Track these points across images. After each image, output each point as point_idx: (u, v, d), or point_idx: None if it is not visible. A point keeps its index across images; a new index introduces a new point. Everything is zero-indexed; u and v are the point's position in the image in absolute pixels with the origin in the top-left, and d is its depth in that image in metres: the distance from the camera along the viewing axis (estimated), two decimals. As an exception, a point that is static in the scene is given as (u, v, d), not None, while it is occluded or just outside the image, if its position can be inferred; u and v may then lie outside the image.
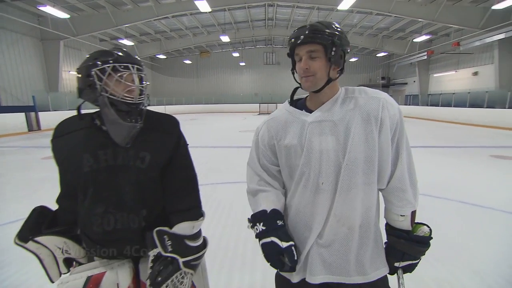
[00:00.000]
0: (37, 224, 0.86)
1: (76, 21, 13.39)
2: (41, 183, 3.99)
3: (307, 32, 0.73)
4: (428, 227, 0.80)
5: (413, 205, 0.79)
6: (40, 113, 11.21)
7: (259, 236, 0.78)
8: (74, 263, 0.88)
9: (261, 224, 0.77)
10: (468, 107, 12.09)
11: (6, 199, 3.47)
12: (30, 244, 0.83)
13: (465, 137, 8.02)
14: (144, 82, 0.85)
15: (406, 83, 22.18)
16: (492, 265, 1.72)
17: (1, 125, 9.67)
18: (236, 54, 22.16)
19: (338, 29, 0.76)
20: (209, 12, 13.41)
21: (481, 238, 2.09)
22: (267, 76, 26.10)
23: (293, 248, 0.74)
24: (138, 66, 0.82)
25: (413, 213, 0.80)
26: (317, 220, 0.76)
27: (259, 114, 21.15)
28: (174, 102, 23.54)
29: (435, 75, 18.88)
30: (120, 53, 0.82)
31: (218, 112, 23.09)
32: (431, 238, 0.78)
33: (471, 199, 2.91)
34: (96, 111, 0.86)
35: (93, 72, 0.78)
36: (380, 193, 0.81)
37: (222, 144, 6.95)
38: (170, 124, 0.90)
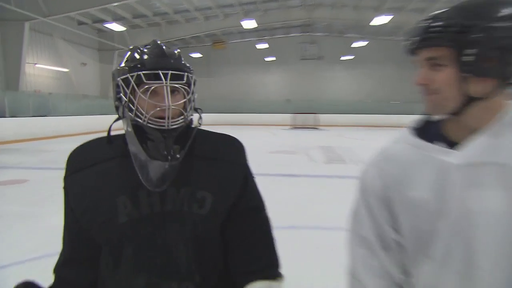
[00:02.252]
0: None
1: (48, -3, 14.36)
2: None
3: (424, 29, 0.75)
4: None
5: None
6: (-9, 120, 11.54)
7: None
8: None
9: None
10: None
11: None
12: None
13: None
14: (188, 96, 0.87)
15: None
16: None
17: None
18: (262, 46, 22.68)
19: (487, 12, 0.71)
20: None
21: None
22: (304, 75, 26.56)
23: None
24: (176, 72, 0.82)
25: None
26: None
27: (293, 128, 21.25)
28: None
29: None
30: (150, 51, 0.84)
31: (237, 125, 23.29)
32: None
33: None
34: None
35: (120, 82, 0.83)
36: None
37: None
38: (235, 149, 0.97)
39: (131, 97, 0.82)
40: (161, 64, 0.82)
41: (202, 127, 0.95)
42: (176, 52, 0.87)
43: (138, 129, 0.82)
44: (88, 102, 17.81)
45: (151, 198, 0.84)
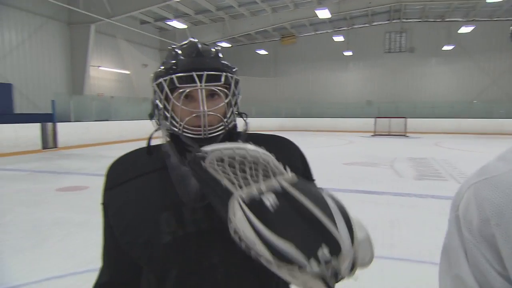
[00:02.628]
0: None
1: (113, -3, 16.13)
2: (52, 229, 4.55)
3: None
4: None
5: None
6: (58, 124, 13.37)
7: None
8: None
9: None
10: None
11: (8, 249, 3.86)
12: None
13: None
14: (227, 99, 0.87)
15: None
16: None
17: (12, 140, 11.88)
18: (338, 38, 22.29)
19: None
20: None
21: None
22: (389, 72, 25.51)
23: None
24: (212, 73, 0.83)
25: None
26: None
27: (374, 135, 20.38)
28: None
29: None
30: (183, 52, 0.86)
31: (307, 131, 23.28)
32: None
33: None
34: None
35: (154, 87, 0.87)
36: None
37: (318, 184, 7.03)
38: (288, 150, 0.99)
39: (166, 103, 0.84)
40: (195, 64, 0.83)
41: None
42: (213, 49, 0.88)
43: (175, 139, 0.84)
44: (148, 106, 19.31)
45: (197, 215, 0.84)
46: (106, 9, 16.15)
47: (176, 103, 0.81)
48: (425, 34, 24.31)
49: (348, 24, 24.83)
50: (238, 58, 28.04)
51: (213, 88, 0.83)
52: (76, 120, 14.69)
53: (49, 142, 13.04)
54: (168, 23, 19.25)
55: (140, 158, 0.93)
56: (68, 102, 14.72)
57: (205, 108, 0.80)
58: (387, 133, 20.26)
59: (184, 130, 0.81)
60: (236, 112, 0.90)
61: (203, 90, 0.81)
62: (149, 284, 0.89)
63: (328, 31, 25.53)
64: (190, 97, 0.82)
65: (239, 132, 0.92)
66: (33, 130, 12.57)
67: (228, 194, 0.64)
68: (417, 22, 24.47)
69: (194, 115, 0.81)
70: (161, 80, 0.83)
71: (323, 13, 16.66)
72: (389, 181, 7.61)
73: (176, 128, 0.82)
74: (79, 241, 4.06)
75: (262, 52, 26.27)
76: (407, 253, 3.79)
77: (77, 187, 6.88)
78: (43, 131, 12.87)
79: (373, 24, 25.07)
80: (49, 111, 13.97)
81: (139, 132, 16.95)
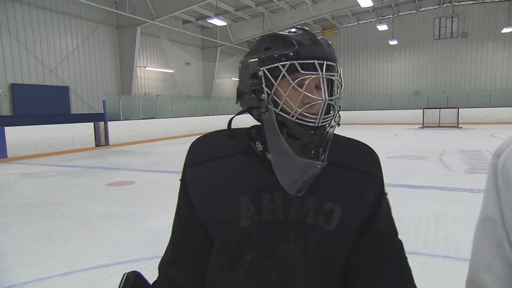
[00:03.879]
0: None
1: (155, 0, 16.66)
2: (101, 221, 4.90)
3: None
4: None
5: None
6: (109, 123, 14.26)
7: None
8: None
9: None
10: None
11: (63, 238, 4.22)
12: None
13: None
14: (337, 92, 0.88)
15: None
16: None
17: (69, 138, 12.86)
18: (382, 27, 21.42)
19: None
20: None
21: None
22: (439, 60, 24.19)
23: None
24: (330, 63, 0.83)
25: None
26: None
27: (423, 127, 19.46)
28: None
29: None
30: (301, 39, 0.83)
31: (351, 124, 22.72)
32: None
33: None
34: (256, 126, 0.93)
35: (260, 72, 0.83)
36: None
37: None
38: (371, 159, 0.96)
39: (280, 89, 0.81)
40: (317, 52, 0.82)
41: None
42: (328, 41, 0.87)
43: (280, 126, 0.82)
44: (191, 103, 20.03)
45: (274, 203, 0.85)
46: (150, 11, 16.81)
47: (299, 89, 0.80)
48: (481, 16, 22.66)
49: (394, 11, 23.78)
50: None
51: (332, 78, 0.84)
52: (125, 119, 15.50)
53: (101, 140, 13.92)
54: (209, 21, 19.61)
55: (221, 140, 0.94)
56: (118, 101, 15.56)
57: (327, 97, 0.80)
58: (436, 125, 19.20)
59: (300, 117, 0.80)
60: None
61: (325, 79, 0.81)
62: (221, 265, 0.91)
63: (372, 20, 24.63)
64: (301, 85, 0.81)
65: (331, 126, 0.89)
66: (87, 129, 13.47)
67: None
68: (471, 5, 22.85)
69: (313, 103, 0.80)
70: (278, 64, 0.80)
71: (365, 2, 16.10)
72: (437, 175, 7.24)
73: (289, 115, 0.81)
74: (124, 233, 4.31)
75: (303, 45, 25.99)
76: (452, 250, 3.60)
77: (125, 182, 7.28)
78: (96, 130, 13.75)
79: (421, 9, 23.81)
80: (101, 111, 14.87)
81: (183, 129, 17.61)
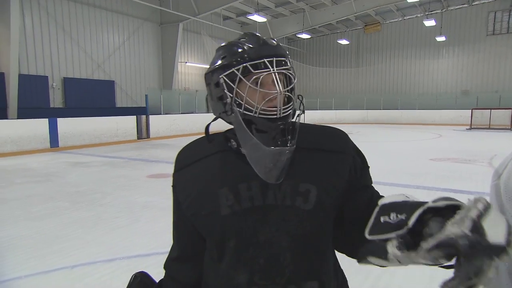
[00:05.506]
0: None
1: (199, -4, 17.02)
2: (141, 211, 5.09)
3: None
4: None
5: None
6: (150, 117, 14.76)
7: None
8: None
9: None
10: None
11: (107, 226, 4.44)
12: None
13: None
14: (292, 82, 0.95)
15: None
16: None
17: (113, 130, 13.46)
18: (430, 23, 20.47)
19: None
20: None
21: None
22: (491, 57, 22.78)
23: None
24: (279, 58, 0.91)
25: None
26: None
27: (471, 129, 18.46)
28: (318, 106, 24.72)
29: None
30: (249, 43, 0.92)
31: (391, 124, 22.12)
32: None
33: None
34: (230, 129, 1.00)
35: (221, 80, 0.91)
36: None
37: (401, 182, 6.93)
38: (338, 138, 1.03)
39: (240, 91, 0.90)
40: (265, 52, 0.90)
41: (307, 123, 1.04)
42: (274, 40, 0.95)
43: (247, 124, 0.90)
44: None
45: (252, 191, 0.91)
46: (192, 8, 17.15)
47: (254, 87, 0.88)
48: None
49: (443, 6, 22.62)
50: (317, 50, 27.52)
51: (284, 71, 0.91)
52: (165, 113, 15.97)
53: (143, 133, 14.45)
54: (249, 17, 19.71)
55: (201, 144, 1.05)
56: (159, 96, 16.07)
57: (281, 89, 0.88)
58: (486, 127, 18.10)
59: (261, 112, 0.88)
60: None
61: (276, 74, 0.89)
62: (212, 257, 0.97)
63: (418, 15, 23.59)
64: (260, 83, 0.89)
65: (298, 114, 0.98)
66: (130, 122, 14.05)
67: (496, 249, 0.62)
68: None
69: (271, 96, 0.88)
70: (233, 70, 0.89)
71: (413, -4, 15.44)
72: (486, 180, 6.84)
73: (252, 112, 0.89)
74: (163, 224, 4.45)
75: (344, 42, 25.35)
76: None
77: (164, 174, 7.52)
78: (138, 123, 14.28)
79: (474, 3, 22.45)
80: (143, 105, 15.43)
81: (219, 124, 17.80)
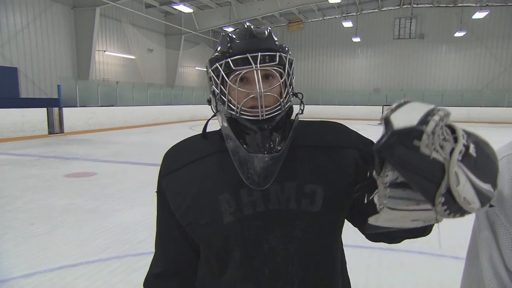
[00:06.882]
0: None
1: (120, -20, 15.85)
2: (62, 216, 4.55)
3: None
4: None
5: None
6: (64, 109, 13.33)
7: None
8: None
9: None
10: None
11: (21, 235, 3.84)
12: None
13: None
14: (282, 79, 0.86)
15: None
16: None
17: (19, 124, 11.89)
18: (347, 24, 21.89)
19: None
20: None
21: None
22: (398, 59, 25.19)
23: None
24: (266, 53, 0.83)
25: None
26: None
27: (381, 123, 19.93)
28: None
29: None
30: (237, 35, 0.87)
31: (312, 118, 22.72)
32: None
33: None
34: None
35: (210, 74, 0.88)
36: None
37: None
38: (339, 131, 0.98)
39: (223, 88, 0.84)
40: (249, 46, 0.83)
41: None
42: (266, 31, 0.87)
43: (234, 123, 0.85)
44: (154, 91, 19.35)
45: (253, 196, 0.85)
46: (111, -9, 15.91)
47: (233, 85, 0.82)
48: (436, 20, 23.83)
49: (358, 9, 24.38)
50: (244, 43, 27.72)
51: (267, 68, 0.83)
52: (82, 105, 14.62)
53: (55, 127, 13.06)
54: (174, 7, 18.93)
55: (195, 143, 0.95)
56: (74, 87, 14.64)
57: (261, 89, 0.80)
58: (395, 122, 20.07)
59: (242, 112, 0.82)
60: (291, 93, 0.89)
61: (259, 71, 0.81)
62: (210, 271, 0.90)
63: (337, 16, 25.08)
64: (246, 80, 0.83)
65: (296, 114, 0.92)
66: (39, 114, 12.56)
67: (438, 166, 0.58)
68: (428, 8, 23.95)
69: (250, 96, 0.81)
70: (217, 64, 0.83)
71: (333, -3, 16.33)
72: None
73: (234, 111, 0.83)
74: (90, 229, 4.03)
75: (268, 38, 25.98)
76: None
77: (86, 173, 6.85)
78: (49, 116, 12.85)
79: (383, 9, 24.59)
80: (55, 96, 13.92)
81: (144, 118, 16.96)
